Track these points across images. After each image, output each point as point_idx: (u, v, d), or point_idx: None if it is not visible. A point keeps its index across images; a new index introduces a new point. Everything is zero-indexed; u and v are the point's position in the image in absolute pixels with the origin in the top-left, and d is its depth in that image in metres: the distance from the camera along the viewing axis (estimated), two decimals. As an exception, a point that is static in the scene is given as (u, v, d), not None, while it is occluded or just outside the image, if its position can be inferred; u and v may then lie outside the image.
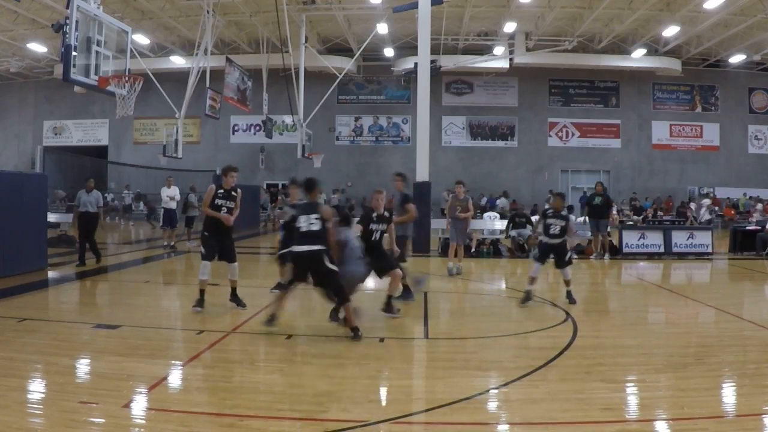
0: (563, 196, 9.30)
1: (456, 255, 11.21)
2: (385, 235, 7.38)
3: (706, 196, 25.53)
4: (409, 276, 8.24)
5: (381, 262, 7.22)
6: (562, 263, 8.37)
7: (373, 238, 7.20)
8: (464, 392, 4.53)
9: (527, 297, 8.19)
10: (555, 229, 8.25)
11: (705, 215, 20.66)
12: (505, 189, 27.67)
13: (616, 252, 14.72)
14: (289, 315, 8.04)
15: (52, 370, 5.02)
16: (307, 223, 6.10)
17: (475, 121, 29.79)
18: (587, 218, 14.43)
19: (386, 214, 7.29)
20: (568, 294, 8.28)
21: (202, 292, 7.41)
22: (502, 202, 25.28)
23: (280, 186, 29.55)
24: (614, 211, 25.42)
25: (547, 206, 9.07)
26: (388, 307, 7.29)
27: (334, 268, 6.11)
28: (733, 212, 24.98)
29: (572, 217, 10.93)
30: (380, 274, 7.33)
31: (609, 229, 14.55)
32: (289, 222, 7.39)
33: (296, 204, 6.70)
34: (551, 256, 8.33)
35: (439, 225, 16.62)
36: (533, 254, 8.70)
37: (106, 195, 27.33)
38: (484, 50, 26.08)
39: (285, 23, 19.69)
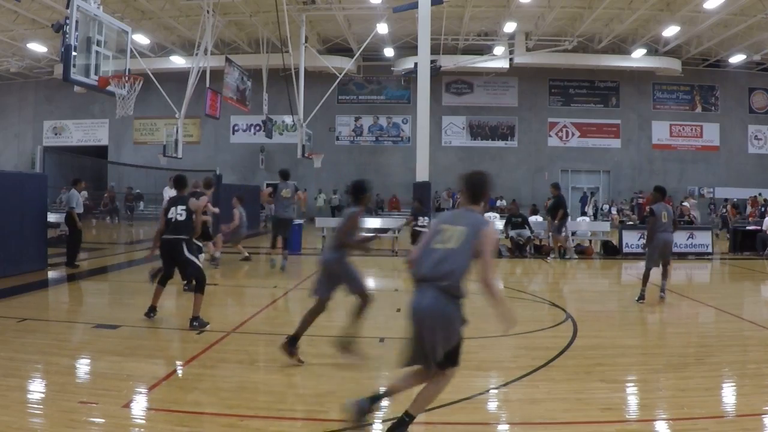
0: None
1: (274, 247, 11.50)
2: None
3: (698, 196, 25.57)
4: None
5: None
6: None
7: None
8: (464, 392, 4.52)
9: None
10: None
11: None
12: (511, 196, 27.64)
13: (615, 252, 14.74)
14: (288, 315, 8.05)
15: (52, 370, 5.03)
16: (174, 213, 6.69)
17: (475, 121, 29.79)
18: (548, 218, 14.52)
19: None
20: None
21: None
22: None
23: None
24: (614, 211, 25.53)
25: None
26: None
27: (192, 258, 6.65)
28: (734, 211, 24.94)
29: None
30: None
31: (565, 231, 14.31)
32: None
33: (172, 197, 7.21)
34: None
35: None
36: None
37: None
38: (484, 50, 26.07)
39: (285, 23, 19.68)
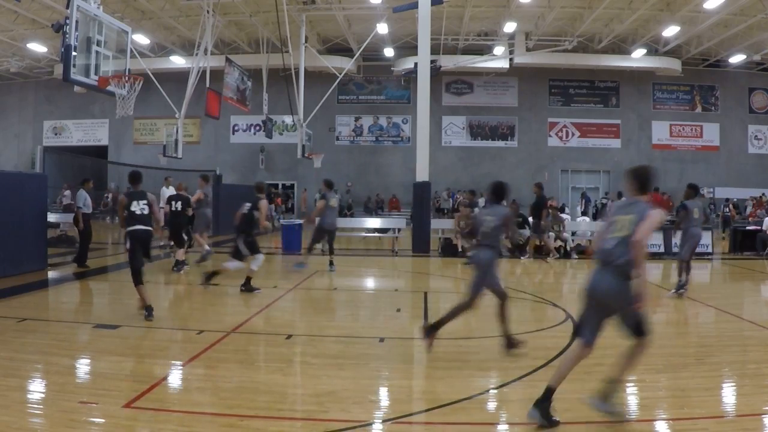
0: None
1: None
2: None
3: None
4: None
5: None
6: None
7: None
8: (464, 392, 4.53)
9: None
10: None
11: None
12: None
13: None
14: (289, 315, 8.05)
15: (52, 370, 5.03)
16: (138, 207, 7.12)
17: (475, 121, 29.78)
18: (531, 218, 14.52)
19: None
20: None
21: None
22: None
23: (280, 186, 29.58)
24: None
25: None
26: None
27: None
28: (735, 211, 24.97)
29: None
30: None
31: (548, 231, 14.34)
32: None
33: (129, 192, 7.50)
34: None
35: (438, 225, 16.68)
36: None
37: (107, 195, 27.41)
38: (484, 50, 26.06)
39: (285, 23, 19.67)
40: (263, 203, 9.05)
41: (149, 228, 7.20)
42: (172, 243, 11.57)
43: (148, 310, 6.96)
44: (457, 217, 15.27)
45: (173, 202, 11.09)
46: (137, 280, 7.03)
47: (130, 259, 7.12)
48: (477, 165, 29.32)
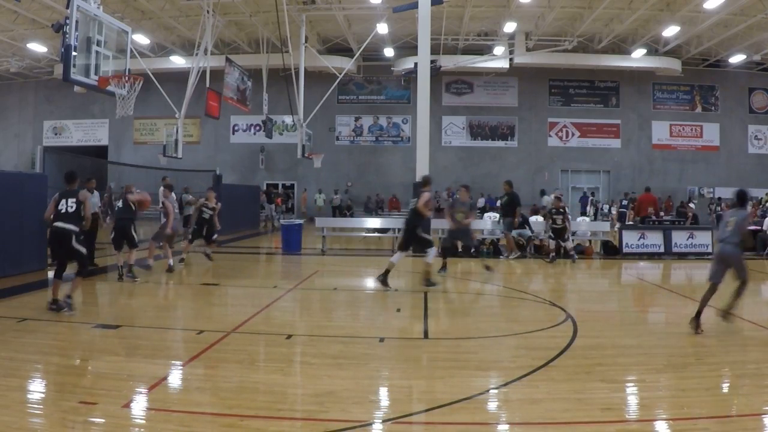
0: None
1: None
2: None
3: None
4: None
5: None
6: None
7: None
8: (464, 392, 4.53)
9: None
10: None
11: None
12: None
13: (615, 252, 14.73)
14: (289, 315, 8.05)
15: (52, 370, 5.03)
16: (65, 205, 7.14)
17: (475, 121, 29.78)
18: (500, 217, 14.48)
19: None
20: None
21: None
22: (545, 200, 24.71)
23: (280, 186, 29.59)
24: (614, 211, 25.47)
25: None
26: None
27: (79, 248, 7.20)
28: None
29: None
30: None
31: (530, 231, 14.40)
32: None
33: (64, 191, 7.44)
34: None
35: (438, 225, 16.66)
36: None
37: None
38: (484, 50, 26.07)
39: (285, 23, 19.67)
40: (425, 195, 9.37)
41: (68, 226, 7.09)
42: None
43: (55, 303, 7.11)
44: (447, 212, 15.02)
45: (118, 201, 10.53)
46: (56, 273, 7.36)
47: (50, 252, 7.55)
48: (477, 165, 29.33)
